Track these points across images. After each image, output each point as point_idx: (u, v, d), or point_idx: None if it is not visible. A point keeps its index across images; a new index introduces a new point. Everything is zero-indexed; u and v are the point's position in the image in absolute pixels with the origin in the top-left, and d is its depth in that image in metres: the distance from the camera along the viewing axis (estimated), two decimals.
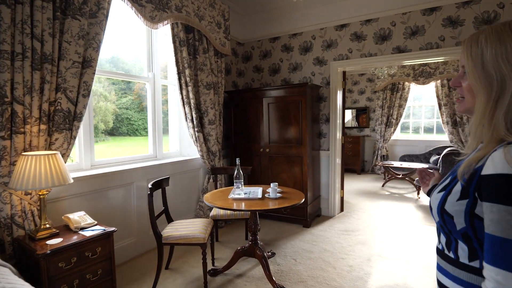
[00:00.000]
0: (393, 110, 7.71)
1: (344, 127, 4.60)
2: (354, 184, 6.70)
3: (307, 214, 4.05)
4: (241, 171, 2.81)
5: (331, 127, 4.42)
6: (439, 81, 7.16)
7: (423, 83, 7.29)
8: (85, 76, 2.58)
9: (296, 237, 3.74)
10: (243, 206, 2.50)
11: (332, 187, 4.49)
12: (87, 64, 2.60)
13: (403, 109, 7.65)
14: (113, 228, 2.27)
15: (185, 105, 3.67)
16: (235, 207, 2.46)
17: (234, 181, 2.80)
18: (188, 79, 3.61)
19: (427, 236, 3.73)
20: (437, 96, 7.29)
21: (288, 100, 4.03)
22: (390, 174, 6.47)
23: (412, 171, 6.28)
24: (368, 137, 8.28)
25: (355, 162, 7.93)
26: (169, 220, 2.93)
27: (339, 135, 4.50)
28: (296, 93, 3.96)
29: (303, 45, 4.59)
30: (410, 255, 3.21)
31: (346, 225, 4.12)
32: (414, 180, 6.27)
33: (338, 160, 4.52)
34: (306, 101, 3.91)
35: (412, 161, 7.26)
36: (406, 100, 7.61)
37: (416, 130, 8.06)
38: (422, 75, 7.29)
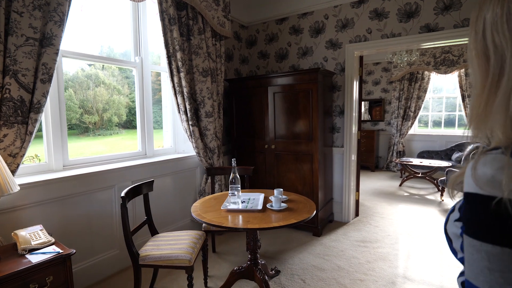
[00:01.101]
0: (411, 102, 7.00)
1: (360, 121, 3.98)
2: (369, 183, 6.07)
3: (318, 221, 3.47)
4: (237, 174, 2.25)
5: (345, 121, 3.81)
6: (463, 70, 6.41)
7: (445, 72, 6.56)
8: (44, 56, 2.04)
9: (305, 248, 3.17)
10: (239, 221, 1.94)
11: (346, 189, 3.90)
12: (48, 42, 2.05)
13: (422, 101, 6.93)
14: (70, 251, 1.74)
15: (177, 95, 3.11)
16: (229, 223, 1.90)
17: (230, 186, 2.24)
18: (180, 64, 3.04)
19: None
20: (460, 87, 6.55)
21: (296, 89, 3.42)
22: (408, 173, 5.82)
23: (432, 169, 5.62)
24: (382, 132, 7.59)
25: (369, 159, 7.27)
26: (154, 232, 2.40)
27: (354, 129, 3.88)
28: (306, 80, 3.35)
29: (314, 26, 3.95)
30: (442, 278, 2.61)
31: (363, 234, 3.52)
32: (435, 180, 5.62)
33: (354, 159, 3.91)
34: (318, 90, 3.30)
35: (432, 158, 6.58)
36: (425, 91, 6.88)
37: (436, 124, 7.34)
38: (444, 63, 6.54)
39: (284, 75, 3.47)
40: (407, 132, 7.12)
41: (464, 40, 3.21)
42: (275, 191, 2.32)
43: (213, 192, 3.11)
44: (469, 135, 0.62)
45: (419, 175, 5.65)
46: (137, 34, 3.00)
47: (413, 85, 6.95)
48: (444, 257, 2.94)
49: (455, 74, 6.55)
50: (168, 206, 3.18)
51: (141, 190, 2.23)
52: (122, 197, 1.94)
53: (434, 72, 6.66)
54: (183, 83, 3.08)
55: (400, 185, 5.86)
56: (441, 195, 4.89)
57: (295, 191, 3.58)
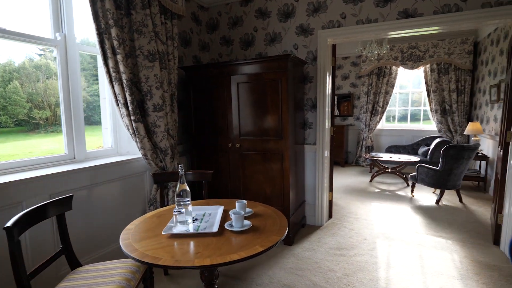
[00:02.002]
0: (379, 97, 6.76)
1: (333, 116, 3.54)
2: (340, 179, 5.73)
3: (290, 228, 2.98)
4: (186, 185, 1.67)
5: (318, 115, 3.34)
6: (428, 65, 6.26)
7: (412, 68, 6.37)
8: None
9: (276, 262, 2.67)
10: (184, 253, 1.36)
11: (319, 190, 3.45)
12: None
13: (390, 96, 6.72)
14: None
15: (114, 82, 2.43)
16: (169, 257, 1.32)
17: (176, 201, 1.66)
18: (115, 43, 2.37)
19: (438, 253, 2.78)
20: (426, 82, 6.41)
21: (263, 78, 2.89)
22: (378, 168, 5.56)
23: (402, 164, 5.39)
24: (352, 127, 7.33)
25: (339, 154, 6.97)
26: (74, 264, 1.75)
27: (328, 125, 3.43)
28: (274, 69, 2.82)
29: (283, 9, 3.42)
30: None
31: (338, 240, 3.10)
32: (404, 175, 5.39)
33: (327, 157, 3.47)
34: (287, 80, 2.79)
35: (399, 152, 6.40)
36: (393, 86, 6.67)
37: (402, 119, 7.19)
38: (411, 58, 6.35)
39: (250, 62, 2.92)
40: (376, 127, 6.89)
41: (443, 28, 2.86)
42: (237, 203, 1.77)
43: (163, 204, 2.49)
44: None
45: (389, 171, 5.39)
46: (58, 2, 2.28)
47: (381, 80, 6.71)
48: (425, 263, 2.58)
49: (421, 69, 6.39)
50: (105, 223, 2.52)
51: (46, 213, 1.57)
52: (6, 228, 1.28)
53: (401, 67, 6.45)
54: (121, 68, 2.41)
55: (370, 180, 5.58)
56: (412, 191, 4.64)
57: (263, 195, 3.06)
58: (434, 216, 3.75)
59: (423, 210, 3.97)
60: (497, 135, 4.49)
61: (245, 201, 1.80)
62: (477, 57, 5.82)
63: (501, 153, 2.96)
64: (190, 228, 1.62)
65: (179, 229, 1.59)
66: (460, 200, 4.28)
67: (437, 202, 4.23)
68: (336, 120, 7.48)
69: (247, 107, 3.00)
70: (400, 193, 4.83)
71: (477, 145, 3.95)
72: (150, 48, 2.61)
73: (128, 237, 1.53)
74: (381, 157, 5.41)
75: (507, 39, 4.28)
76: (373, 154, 5.80)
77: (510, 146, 2.77)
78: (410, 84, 6.98)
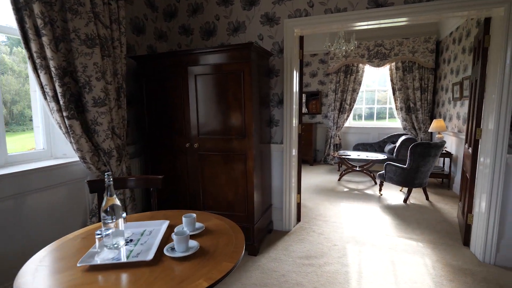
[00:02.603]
0: (346, 94, 6.67)
1: (301, 113, 3.28)
2: (309, 179, 5.53)
3: (254, 236, 2.67)
4: (116, 200, 1.29)
5: (285, 112, 3.06)
6: (393, 64, 6.25)
7: (378, 66, 6.33)
8: None
9: (239, 277, 2.35)
10: None
11: (287, 193, 3.17)
12: None
13: (357, 93, 6.65)
14: None
15: (39, 70, 1.97)
16: None
17: (102, 219, 1.27)
18: (40, 22, 1.90)
19: (410, 258, 2.61)
20: (391, 80, 6.41)
21: (224, 70, 2.54)
22: (346, 166, 5.42)
23: (370, 162, 5.29)
24: (320, 124, 7.18)
25: (307, 152, 6.79)
26: None
27: (295, 122, 3.16)
28: (236, 58, 2.48)
29: None
30: None
31: (307, 247, 2.84)
32: (372, 173, 5.30)
33: (295, 157, 3.20)
34: (251, 72, 2.47)
35: (367, 150, 6.34)
36: (360, 84, 6.60)
37: (369, 117, 7.17)
38: (377, 56, 6.31)
39: (209, 52, 2.55)
40: (343, 125, 6.80)
41: (414, 19, 2.68)
42: (184, 219, 1.42)
43: (100, 218, 2.06)
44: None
45: (357, 169, 5.28)
46: None
47: (348, 78, 6.62)
48: (398, 270, 2.39)
49: (386, 67, 6.37)
50: (32, 242, 2.05)
51: None
52: None
53: (368, 65, 6.39)
54: (48, 53, 1.95)
55: (339, 179, 5.43)
56: (380, 189, 4.53)
57: (225, 200, 2.72)
58: (403, 216, 3.63)
59: (392, 210, 3.84)
60: (460, 132, 4.50)
61: (194, 215, 1.45)
62: (439, 55, 5.88)
63: (470, 151, 2.85)
64: (123, 253, 1.25)
65: (104, 256, 1.21)
66: (427, 198, 4.22)
67: (405, 200, 4.14)
68: (304, 118, 7.30)
69: (207, 103, 2.64)
70: (369, 192, 4.71)
71: (443, 142, 3.89)
72: (88, 31, 2.16)
73: (31, 272, 1.12)
74: (349, 156, 5.28)
75: (469, 37, 4.28)
76: (341, 152, 5.66)
77: (479, 144, 2.65)
78: (376, 82, 6.97)
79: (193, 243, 1.29)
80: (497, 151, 2.42)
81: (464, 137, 4.25)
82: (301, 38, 3.14)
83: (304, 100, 7.26)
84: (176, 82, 2.71)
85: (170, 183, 2.89)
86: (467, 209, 2.79)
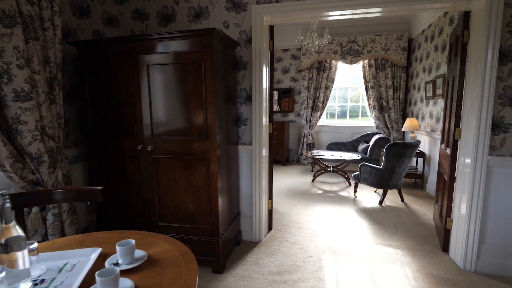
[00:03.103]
0: (319, 92, 6.56)
1: (272, 110, 3.03)
2: (281, 180, 5.33)
3: (219, 251, 2.38)
4: (16, 229, 0.94)
5: (254, 110, 2.79)
6: (366, 61, 6.23)
7: (351, 62, 6.28)
8: None
9: None
10: None
11: (256, 199, 2.92)
12: None
13: (330, 91, 6.56)
14: None
15: None
16: None
17: None
18: None
19: (390, 268, 2.46)
20: (364, 78, 6.38)
21: (183, 60, 2.22)
22: (320, 167, 5.29)
23: (344, 163, 5.20)
24: (292, 123, 7.02)
25: (280, 152, 6.60)
26: None
27: (266, 121, 2.91)
28: (197, 46, 2.17)
29: None
30: None
31: (279, 260, 2.60)
32: (346, 174, 5.21)
33: (265, 159, 2.95)
34: (213, 62, 2.17)
35: (340, 149, 6.27)
36: (333, 81, 6.52)
37: (342, 115, 7.12)
38: (350, 53, 6.25)
39: (164, 37, 2.22)
40: (317, 123, 6.69)
41: (396, 8, 2.52)
42: (118, 249, 1.10)
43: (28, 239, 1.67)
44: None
45: (331, 170, 5.16)
46: None
47: (321, 75, 6.50)
48: (378, 282, 2.23)
49: (359, 64, 6.33)
50: None
51: None
52: None
53: (341, 61, 6.32)
54: None
55: (312, 180, 5.28)
56: (355, 191, 4.42)
57: (185, 211, 2.40)
58: (379, 220, 3.51)
59: (368, 213, 3.72)
60: (434, 132, 4.51)
61: (132, 242, 1.14)
62: (411, 53, 5.93)
63: (448, 151, 2.77)
64: None
65: None
66: (402, 200, 4.17)
67: (380, 203, 4.05)
68: (276, 116, 7.11)
69: (162, 98, 2.30)
70: (343, 193, 4.59)
71: (418, 142, 3.84)
72: (5, 6, 1.75)
73: None
74: (323, 156, 5.14)
75: (442, 35, 4.28)
76: (315, 152, 5.52)
77: (458, 145, 2.56)
78: (349, 80, 6.93)
79: (125, 284, 0.98)
80: (478, 152, 2.32)
81: (438, 136, 4.26)
82: (271, 28, 2.89)
83: (276, 98, 7.06)
84: (125, 74, 2.34)
85: (120, 192, 2.52)
86: (446, 213, 2.70)
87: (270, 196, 3.13)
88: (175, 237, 2.30)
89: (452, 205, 2.65)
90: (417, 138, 5.15)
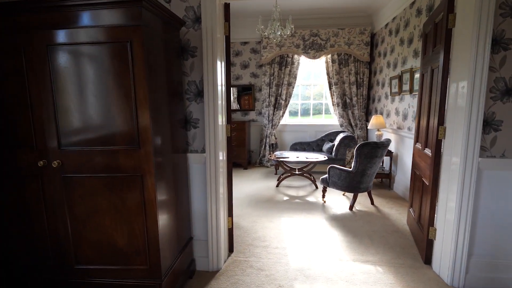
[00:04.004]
0: (282, 89, 6.14)
1: (230, 109, 2.49)
2: (243, 186, 4.82)
3: None
4: None
5: (207, 108, 2.22)
6: (329, 56, 5.94)
7: (314, 57, 5.95)
8: None
9: None
10: None
11: (213, 219, 2.36)
12: None
13: (293, 88, 6.18)
14: None
15: None
16: None
17: None
18: None
19: None
20: (327, 74, 6.09)
21: (100, 38, 1.58)
22: (284, 170, 4.86)
23: (310, 164, 4.83)
24: (254, 122, 6.54)
25: (241, 155, 6.08)
26: None
27: (222, 122, 2.36)
28: (120, 19, 1.55)
29: None
30: None
31: None
32: (312, 176, 4.85)
33: (222, 169, 2.40)
34: (144, 43, 1.57)
35: (304, 149, 5.92)
36: (295, 77, 6.14)
37: (305, 113, 6.80)
38: (312, 47, 5.91)
39: (71, 5, 1.57)
40: (279, 122, 6.27)
41: None
42: None
43: None
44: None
45: (297, 173, 4.76)
46: None
47: (283, 70, 6.09)
48: None
49: (322, 59, 6.03)
50: None
51: None
52: None
53: (303, 56, 5.96)
54: None
55: (277, 185, 4.84)
56: (323, 196, 4.05)
57: (113, 249, 1.78)
58: (353, 229, 3.15)
59: (339, 221, 3.35)
60: (400, 129, 4.30)
61: None
62: (374, 49, 5.75)
63: (428, 153, 2.45)
64: None
65: None
66: (372, 203, 3.88)
67: (351, 208, 3.72)
68: (236, 115, 6.58)
69: (73, 94, 1.65)
70: (311, 199, 4.21)
71: (389, 141, 3.56)
72: None
73: None
74: (287, 158, 4.73)
75: (408, 28, 4.06)
76: (278, 154, 5.10)
77: (442, 145, 2.24)
78: (312, 76, 6.61)
79: None
80: (468, 153, 2.00)
81: (406, 134, 4.04)
82: (227, 7, 2.34)
83: (235, 95, 6.53)
84: (17, 60, 1.65)
85: (17, 225, 1.82)
86: (428, 221, 2.38)
87: (230, 213, 2.60)
88: (102, 283, 1.68)
89: (436, 213, 2.34)
90: (384, 136, 4.95)
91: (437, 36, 2.40)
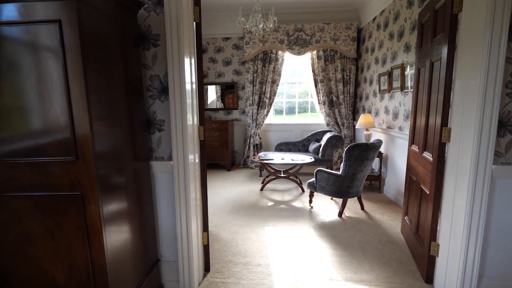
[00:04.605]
0: (266, 86, 5.80)
1: (203, 108, 2.12)
2: (225, 190, 4.45)
3: None
4: None
5: (173, 107, 1.84)
6: (315, 52, 5.64)
7: (299, 53, 5.64)
8: None
9: None
10: None
11: (183, 236, 1.99)
12: None
13: (277, 85, 5.84)
14: None
15: None
16: None
17: None
18: None
19: None
20: (313, 71, 5.79)
21: (20, 18, 1.19)
22: (269, 173, 4.53)
23: (294, 166, 4.52)
24: (237, 122, 6.17)
25: (224, 156, 5.70)
26: None
27: (193, 122, 1.99)
28: None
29: None
30: None
31: None
32: (298, 178, 4.54)
33: (194, 178, 2.03)
34: (78, 24, 1.19)
35: (290, 150, 5.61)
36: (280, 74, 5.80)
37: (290, 111, 6.48)
38: (297, 42, 5.59)
39: None
40: (264, 121, 5.93)
41: None
42: None
43: None
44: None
45: (282, 176, 4.43)
46: None
47: (267, 67, 5.74)
48: None
49: (307, 56, 5.72)
50: None
51: None
52: None
53: (288, 52, 5.63)
54: None
55: (261, 189, 4.50)
56: (310, 201, 3.74)
57: (50, 286, 1.39)
58: (343, 240, 2.85)
59: (328, 231, 3.05)
60: (390, 129, 4.04)
61: None
62: (361, 44, 5.49)
63: (428, 157, 2.16)
64: None
65: None
66: (362, 208, 3.60)
67: (340, 214, 3.43)
68: (219, 114, 6.19)
69: None
70: (297, 204, 3.89)
71: (380, 142, 3.28)
72: None
73: None
74: (272, 160, 4.39)
75: (398, 21, 3.79)
76: (263, 155, 4.76)
77: (447, 149, 1.95)
78: (296, 74, 6.30)
79: None
80: (480, 160, 1.72)
81: (396, 134, 3.77)
82: None
83: (219, 94, 6.14)
84: None
85: None
86: (430, 235, 2.09)
87: (206, 227, 2.24)
88: None
89: (438, 226, 2.05)
90: (373, 136, 4.68)
91: (438, 25, 2.10)
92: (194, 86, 1.97)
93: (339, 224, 3.20)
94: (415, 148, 2.58)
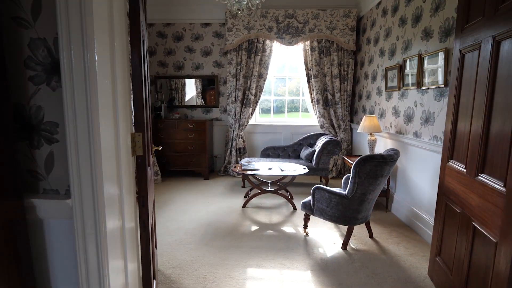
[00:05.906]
0: (251, 81, 4.96)
1: (142, 102, 1.26)
2: (196, 208, 3.59)
3: None
4: None
5: (69, 98, 0.98)
6: (308, 42, 4.85)
7: (289, 43, 4.84)
8: None
9: None
10: None
11: None
12: None
13: (264, 80, 5.02)
14: None
15: None
16: None
17: None
18: None
19: None
20: (306, 65, 5.00)
21: None
22: (253, 186, 3.70)
23: (284, 177, 3.71)
24: (217, 121, 5.31)
25: (200, 161, 4.83)
26: None
27: (118, 124, 1.13)
28: None
29: None
30: None
31: None
32: (288, 192, 3.73)
33: (121, 244, 1.17)
34: None
35: (278, 156, 4.81)
36: (267, 67, 4.98)
37: (278, 110, 5.67)
38: (288, 31, 4.79)
39: None
40: (248, 121, 5.09)
41: None
42: None
43: None
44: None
45: (269, 190, 3.61)
46: None
47: (252, 58, 4.91)
48: None
49: (299, 47, 4.93)
50: None
51: None
52: None
53: (277, 42, 4.82)
54: None
55: (244, 205, 3.66)
56: (305, 226, 2.93)
57: None
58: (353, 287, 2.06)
59: (332, 276, 2.25)
60: (401, 134, 3.29)
61: None
62: (361, 35, 4.74)
63: (498, 185, 1.40)
64: None
65: None
66: (371, 236, 2.84)
67: (345, 246, 2.64)
68: (196, 113, 5.31)
69: None
70: (288, 229, 3.08)
71: (397, 153, 2.51)
72: None
73: None
74: (258, 170, 3.58)
75: (413, 2, 3.04)
76: (246, 163, 3.93)
77: None
78: (286, 68, 5.50)
79: None
80: None
81: (411, 141, 2.99)
82: None
83: (200, 90, 5.26)
84: None
85: None
86: None
87: (148, 284, 1.38)
88: None
89: None
90: (378, 142, 3.93)
91: None
92: (124, 58, 1.11)
93: (345, 262, 2.41)
94: (457, 165, 1.81)
